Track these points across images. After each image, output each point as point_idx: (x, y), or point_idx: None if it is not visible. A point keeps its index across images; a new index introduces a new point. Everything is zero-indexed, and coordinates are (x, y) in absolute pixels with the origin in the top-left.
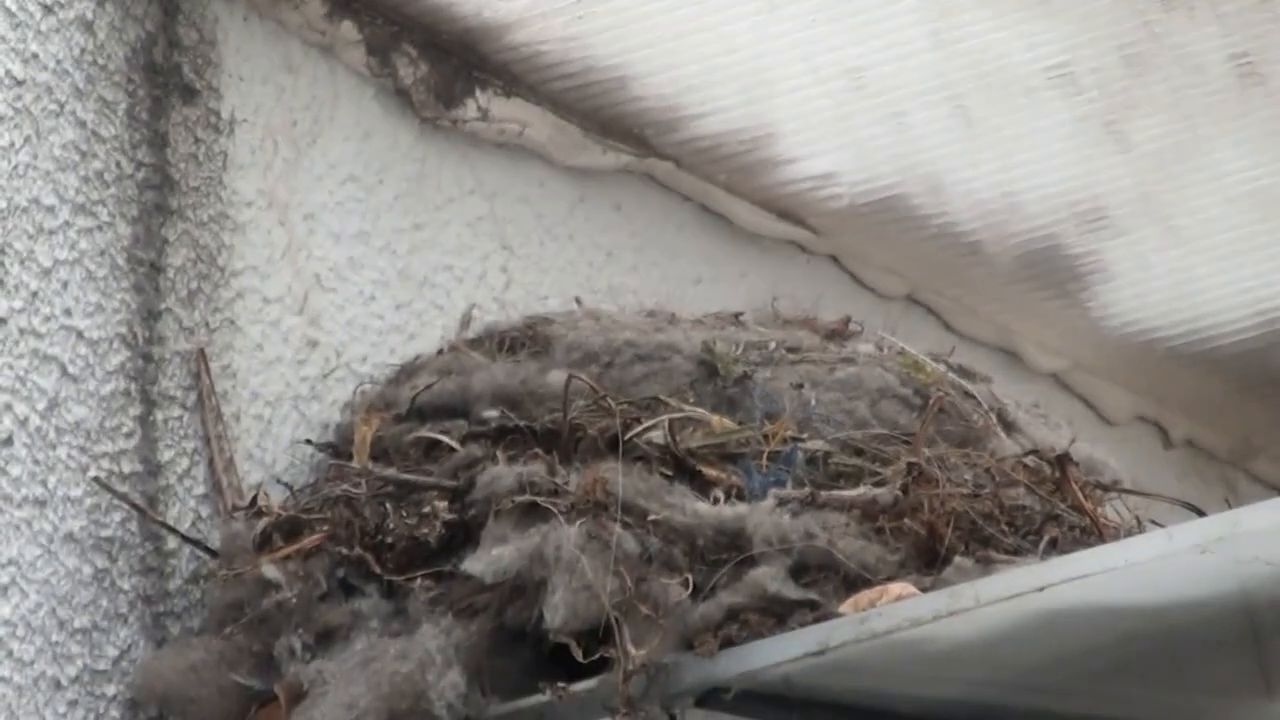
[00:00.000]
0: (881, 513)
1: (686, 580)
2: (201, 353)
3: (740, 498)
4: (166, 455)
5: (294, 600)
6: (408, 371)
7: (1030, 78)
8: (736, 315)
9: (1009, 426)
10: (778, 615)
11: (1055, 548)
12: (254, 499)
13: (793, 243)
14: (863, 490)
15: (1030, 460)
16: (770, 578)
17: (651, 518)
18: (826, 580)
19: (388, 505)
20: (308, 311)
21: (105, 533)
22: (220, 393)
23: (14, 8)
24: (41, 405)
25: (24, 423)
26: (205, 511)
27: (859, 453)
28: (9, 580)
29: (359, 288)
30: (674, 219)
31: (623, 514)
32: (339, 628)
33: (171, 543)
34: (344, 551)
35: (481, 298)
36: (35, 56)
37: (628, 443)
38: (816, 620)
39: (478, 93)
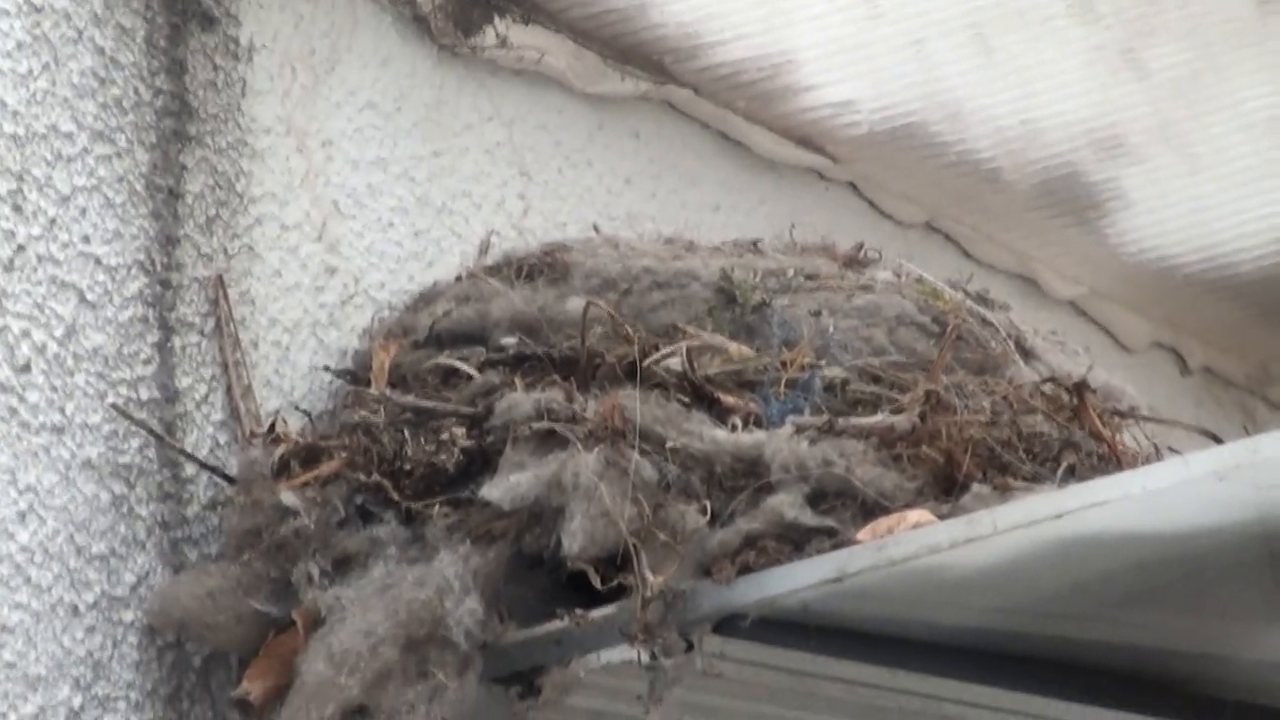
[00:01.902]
0: (899, 440)
1: (704, 507)
2: (220, 279)
3: (758, 425)
4: (184, 382)
5: (312, 527)
6: (426, 298)
7: (1048, 5)
8: (754, 242)
9: (1027, 354)
10: (795, 542)
11: (1073, 475)
12: (272, 425)
13: (811, 170)
14: (880, 418)
15: (1048, 387)
16: (788, 505)
17: (669, 445)
18: (844, 507)
19: (406, 432)
20: (326, 238)
21: (123, 459)
22: (238, 319)
23: None
24: (59, 332)
25: (42, 349)
26: (223, 438)
27: (877, 380)
28: (27, 507)
29: (377, 214)
30: (692, 146)
31: (641, 441)
32: (357, 554)
33: (189, 469)
34: (362, 478)
35: (500, 224)
36: None
37: (645, 370)
38: (834, 547)
39: (496, 20)
